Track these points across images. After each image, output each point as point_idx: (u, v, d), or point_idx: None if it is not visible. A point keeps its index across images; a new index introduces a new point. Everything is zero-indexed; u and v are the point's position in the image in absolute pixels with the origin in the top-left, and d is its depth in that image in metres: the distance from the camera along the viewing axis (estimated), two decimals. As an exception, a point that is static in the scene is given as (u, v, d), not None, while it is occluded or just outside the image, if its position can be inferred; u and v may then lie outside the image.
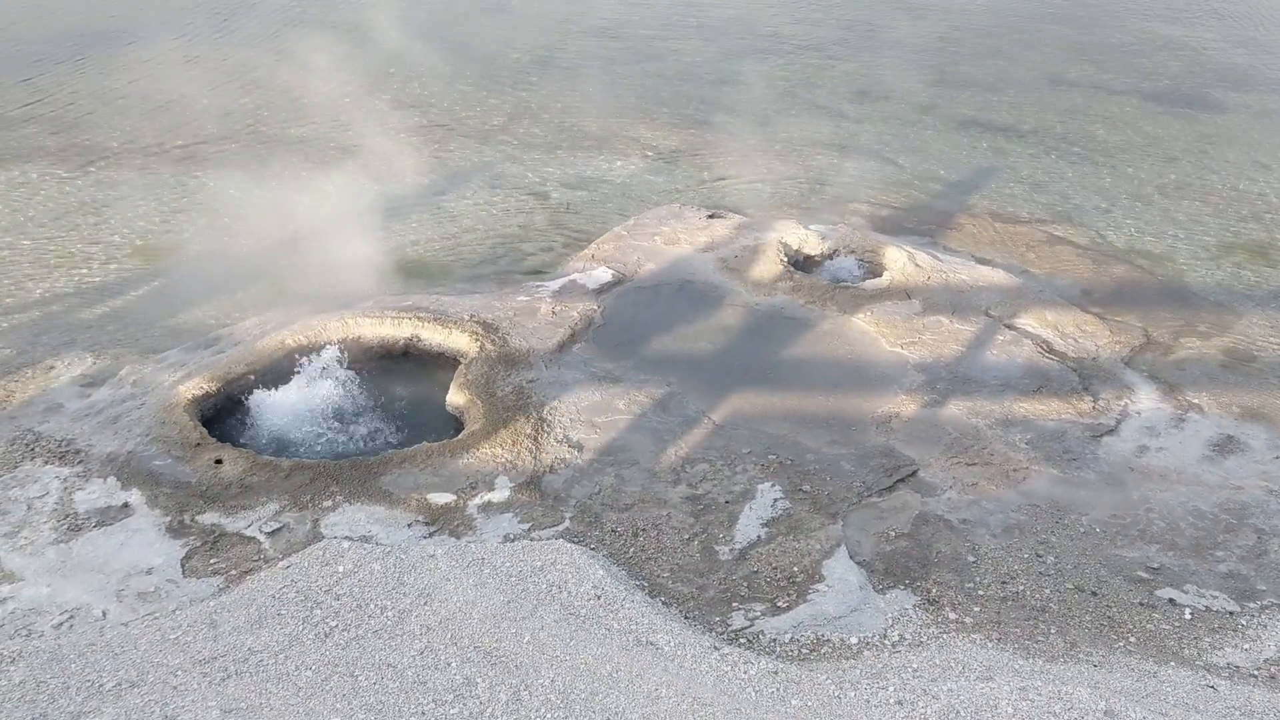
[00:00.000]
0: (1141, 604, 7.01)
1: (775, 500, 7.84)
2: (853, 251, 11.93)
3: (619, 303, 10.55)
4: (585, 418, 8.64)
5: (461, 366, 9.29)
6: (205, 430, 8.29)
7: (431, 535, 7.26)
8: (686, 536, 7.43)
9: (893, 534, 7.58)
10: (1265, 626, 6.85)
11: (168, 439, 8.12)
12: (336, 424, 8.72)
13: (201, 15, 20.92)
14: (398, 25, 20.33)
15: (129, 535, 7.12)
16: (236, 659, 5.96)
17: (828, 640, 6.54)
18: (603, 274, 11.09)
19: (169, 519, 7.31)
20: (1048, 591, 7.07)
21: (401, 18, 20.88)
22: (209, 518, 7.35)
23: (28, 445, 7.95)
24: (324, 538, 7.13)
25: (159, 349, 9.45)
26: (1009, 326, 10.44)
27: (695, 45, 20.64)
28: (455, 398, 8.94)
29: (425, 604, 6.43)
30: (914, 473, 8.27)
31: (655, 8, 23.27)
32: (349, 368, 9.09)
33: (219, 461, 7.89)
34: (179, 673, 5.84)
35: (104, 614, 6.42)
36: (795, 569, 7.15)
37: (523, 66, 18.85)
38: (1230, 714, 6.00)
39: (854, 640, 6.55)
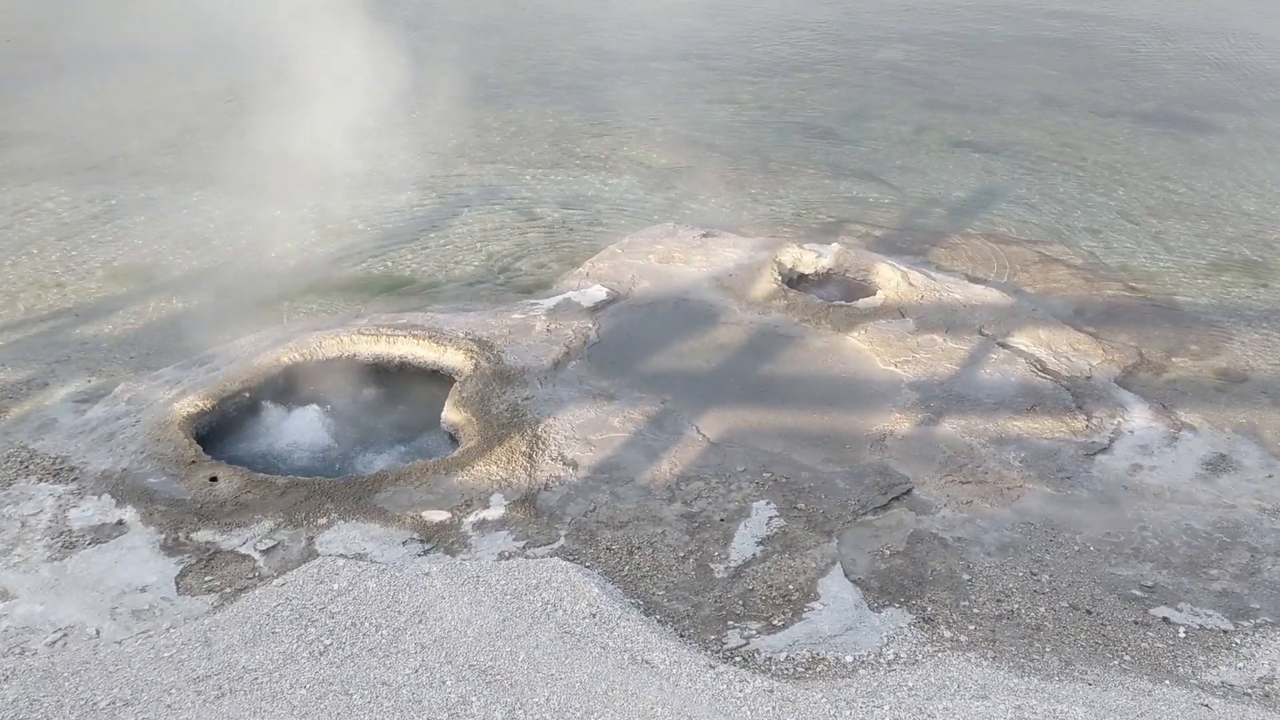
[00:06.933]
0: (1136, 622, 7.02)
1: (770, 518, 7.84)
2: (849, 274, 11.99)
3: (614, 320, 10.58)
4: (580, 435, 8.65)
5: (457, 384, 9.30)
6: (200, 447, 8.29)
7: (426, 553, 7.26)
8: (682, 554, 7.43)
9: (888, 552, 7.59)
10: (1259, 645, 6.87)
11: (163, 456, 8.10)
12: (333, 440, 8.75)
13: (196, 34, 20.97)
14: (394, 44, 20.38)
15: (123, 553, 7.10)
16: (231, 677, 5.94)
17: (823, 659, 6.54)
18: (597, 292, 11.12)
19: (163, 536, 7.29)
20: (1043, 610, 7.08)
21: (396, 38, 20.95)
22: (204, 535, 7.34)
23: (22, 462, 7.93)
24: (319, 555, 7.12)
25: (154, 366, 9.45)
26: (1002, 345, 10.48)
27: (690, 66, 20.76)
28: (450, 415, 8.94)
29: (420, 622, 6.42)
30: (908, 491, 8.29)
31: (650, 30, 23.40)
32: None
33: (214, 479, 7.88)
34: (173, 691, 5.82)
35: (98, 632, 6.39)
36: (790, 587, 7.15)
37: (519, 86, 18.94)
38: (1225, 732, 6.01)
39: (849, 659, 6.54)
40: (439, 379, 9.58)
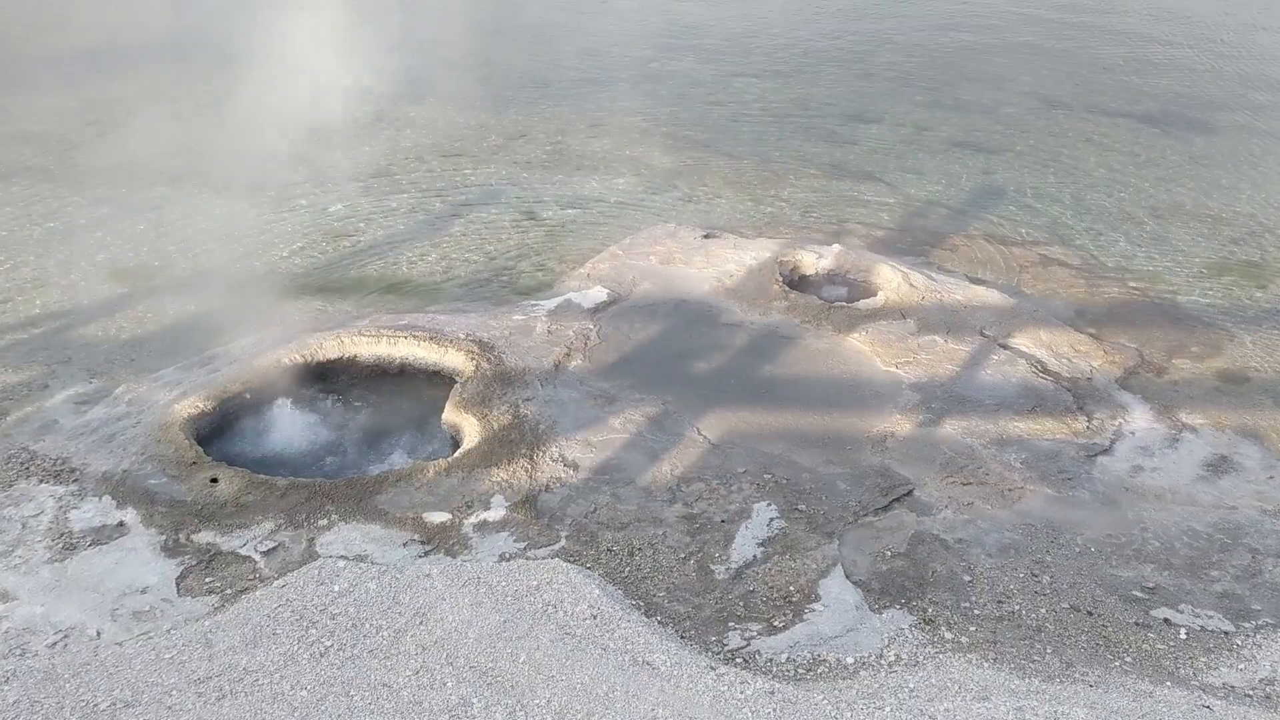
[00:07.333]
0: (1137, 624, 7.02)
1: (771, 519, 7.84)
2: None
3: (615, 322, 10.58)
4: (581, 436, 8.65)
5: (458, 385, 9.30)
6: (201, 449, 8.29)
7: (427, 554, 7.26)
8: (683, 556, 7.43)
9: (889, 553, 7.59)
10: (1260, 646, 6.87)
11: (163, 457, 8.11)
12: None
13: (198, 35, 21.00)
14: (395, 47, 20.42)
15: (124, 554, 7.11)
16: (232, 679, 5.94)
17: (824, 660, 6.54)
18: (598, 293, 11.12)
19: (164, 538, 7.29)
20: (1044, 611, 7.08)
21: (398, 39, 20.98)
22: (204, 537, 7.34)
23: (22, 464, 7.94)
24: (319, 557, 7.13)
25: (154, 367, 9.45)
26: (1003, 346, 10.48)
27: (691, 66, 20.76)
28: (451, 416, 8.95)
29: (421, 623, 6.42)
30: (909, 492, 8.29)
31: (650, 30, 23.41)
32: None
33: (214, 480, 7.89)
34: (174, 692, 5.82)
35: (98, 633, 6.39)
36: (791, 588, 7.16)
37: (519, 87, 18.95)
38: (1226, 734, 6.01)
39: (850, 660, 6.54)
40: (440, 380, 9.58)
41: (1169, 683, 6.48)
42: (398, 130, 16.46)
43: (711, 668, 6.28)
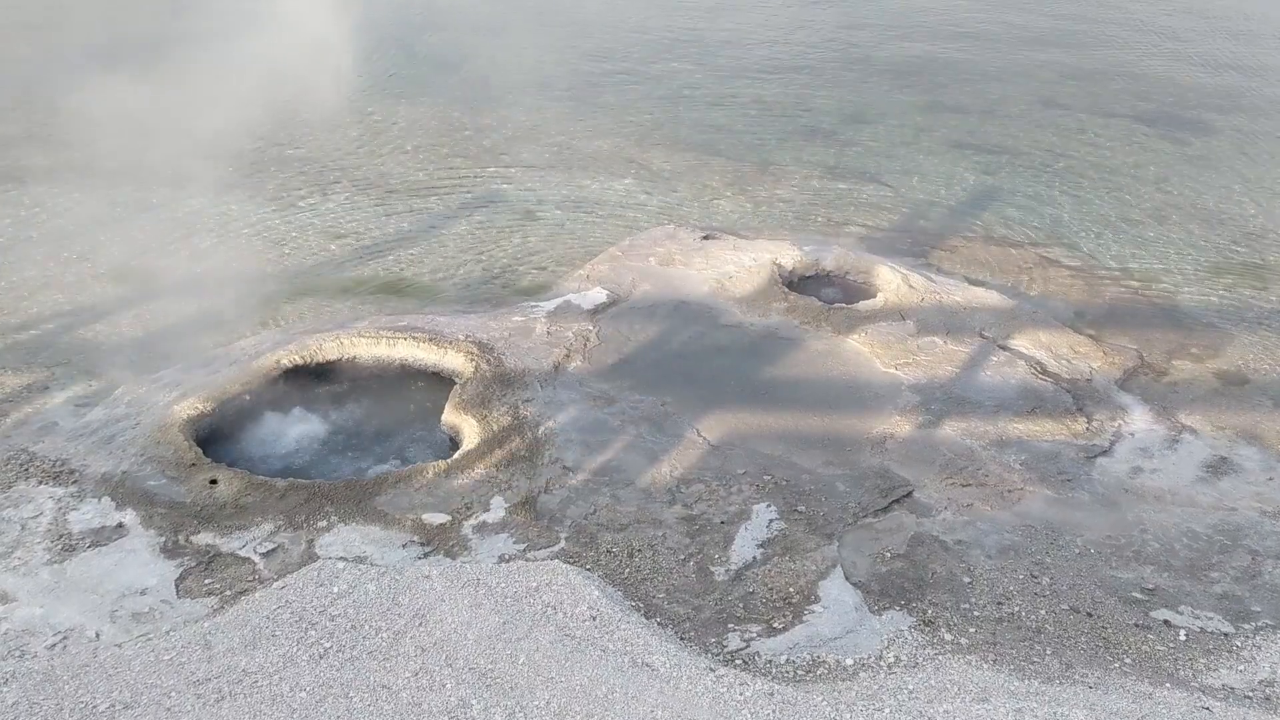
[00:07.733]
0: (1137, 625, 7.02)
1: (771, 521, 7.84)
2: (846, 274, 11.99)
3: (614, 323, 10.57)
4: (580, 438, 8.65)
5: (457, 386, 9.30)
6: (200, 450, 8.29)
7: (426, 556, 7.26)
8: (682, 557, 7.43)
9: (888, 555, 7.58)
10: (1260, 648, 6.87)
11: (163, 459, 8.11)
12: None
13: (198, 34, 20.99)
14: (396, 47, 20.43)
15: (123, 556, 7.11)
16: (231, 680, 5.94)
17: (824, 661, 6.54)
18: (598, 294, 11.12)
19: (163, 539, 7.29)
20: (1043, 612, 7.08)
21: (399, 40, 20.98)
22: (204, 538, 7.34)
23: (22, 465, 7.93)
24: (319, 558, 7.13)
25: (154, 369, 9.44)
26: (1003, 348, 10.48)
27: (690, 67, 20.76)
28: (451, 417, 8.94)
29: (420, 625, 6.42)
30: (909, 493, 8.29)
31: (650, 31, 23.42)
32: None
33: (214, 482, 7.89)
34: (173, 694, 5.82)
35: (97, 635, 6.39)
36: (791, 590, 7.15)
37: (519, 88, 18.93)
38: (1226, 736, 6.01)
39: (850, 661, 6.54)
40: (439, 381, 9.58)
41: (1168, 684, 6.48)
42: (397, 131, 16.44)
43: (711, 669, 6.28)
